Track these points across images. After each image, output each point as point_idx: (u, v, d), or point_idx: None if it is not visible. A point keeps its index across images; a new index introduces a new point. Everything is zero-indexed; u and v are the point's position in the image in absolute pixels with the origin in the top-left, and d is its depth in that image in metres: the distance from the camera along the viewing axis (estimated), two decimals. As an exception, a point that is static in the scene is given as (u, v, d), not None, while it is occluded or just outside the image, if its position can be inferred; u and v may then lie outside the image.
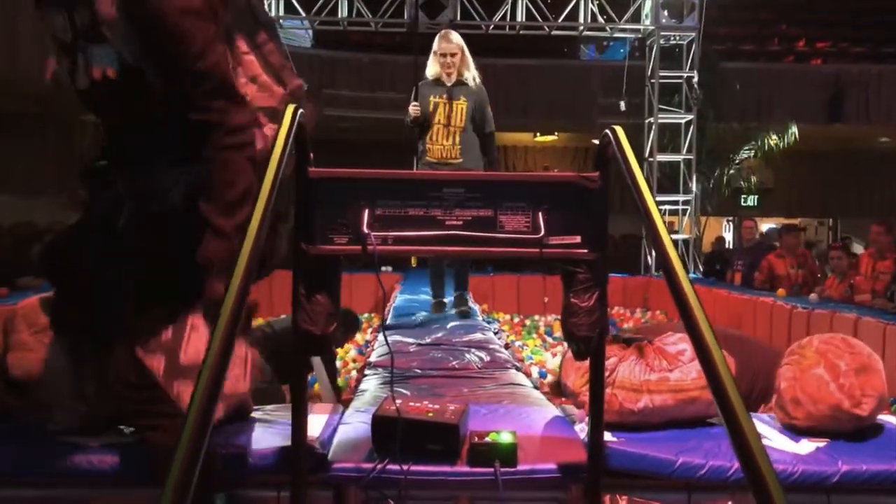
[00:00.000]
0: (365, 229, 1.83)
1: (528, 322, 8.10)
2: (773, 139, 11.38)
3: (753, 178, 12.59)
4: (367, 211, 1.84)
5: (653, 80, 10.68)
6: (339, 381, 4.61)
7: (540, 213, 1.86)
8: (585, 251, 1.87)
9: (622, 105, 10.77)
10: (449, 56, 4.88)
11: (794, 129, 11.27)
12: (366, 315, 8.58)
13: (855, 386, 2.23)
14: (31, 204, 12.42)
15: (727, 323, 7.59)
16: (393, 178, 1.92)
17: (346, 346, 5.90)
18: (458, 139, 4.86)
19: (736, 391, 1.20)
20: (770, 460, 1.09)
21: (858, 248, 11.57)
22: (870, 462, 2.07)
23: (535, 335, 7.43)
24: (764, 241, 10.06)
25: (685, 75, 10.66)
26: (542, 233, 1.86)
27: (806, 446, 2.17)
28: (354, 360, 5.61)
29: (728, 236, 14.83)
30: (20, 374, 2.19)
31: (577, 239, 1.88)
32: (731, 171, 11.86)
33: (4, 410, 2.26)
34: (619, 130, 1.78)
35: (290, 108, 1.74)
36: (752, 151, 11.66)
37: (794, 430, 2.30)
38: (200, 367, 1.08)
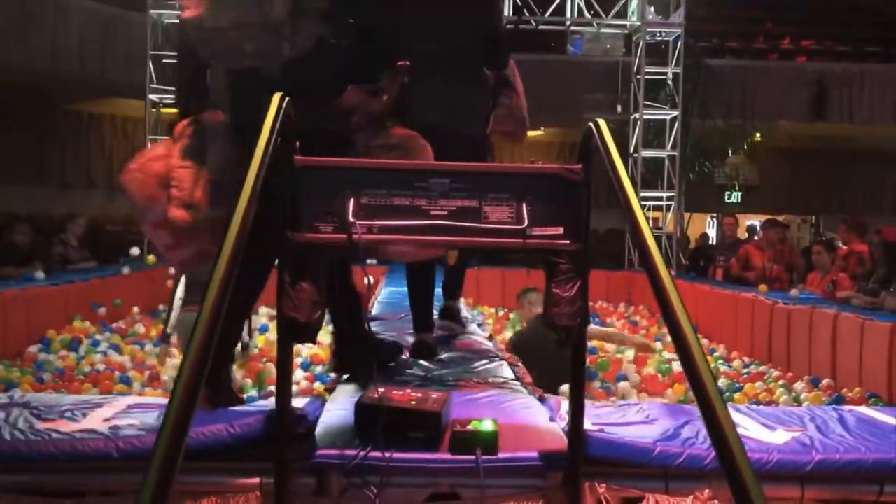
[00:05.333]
0: (350, 218, 1.85)
1: (512, 315, 8.13)
2: (758, 137, 11.51)
3: (738, 175, 12.70)
4: (352, 200, 1.85)
5: (639, 76, 10.73)
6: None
7: (524, 205, 1.88)
8: (567, 242, 1.90)
9: (619, 108, 10.92)
10: None
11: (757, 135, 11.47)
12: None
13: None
14: (41, 193, 12.54)
15: (710, 317, 7.68)
16: (379, 167, 1.94)
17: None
18: None
19: (714, 383, 1.23)
20: (745, 448, 1.13)
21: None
22: (843, 451, 2.11)
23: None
24: (748, 238, 10.16)
25: (671, 72, 10.72)
26: (526, 223, 1.88)
27: (781, 436, 2.21)
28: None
29: (712, 233, 14.92)
30: None
31: (560, 230, 1.90)
32: (716, 168, 11.96)
33: None
34: (602, 124, 1.81)
35: (276, 97, 1.75)
36: (736, 149, 11.78)
37: None
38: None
